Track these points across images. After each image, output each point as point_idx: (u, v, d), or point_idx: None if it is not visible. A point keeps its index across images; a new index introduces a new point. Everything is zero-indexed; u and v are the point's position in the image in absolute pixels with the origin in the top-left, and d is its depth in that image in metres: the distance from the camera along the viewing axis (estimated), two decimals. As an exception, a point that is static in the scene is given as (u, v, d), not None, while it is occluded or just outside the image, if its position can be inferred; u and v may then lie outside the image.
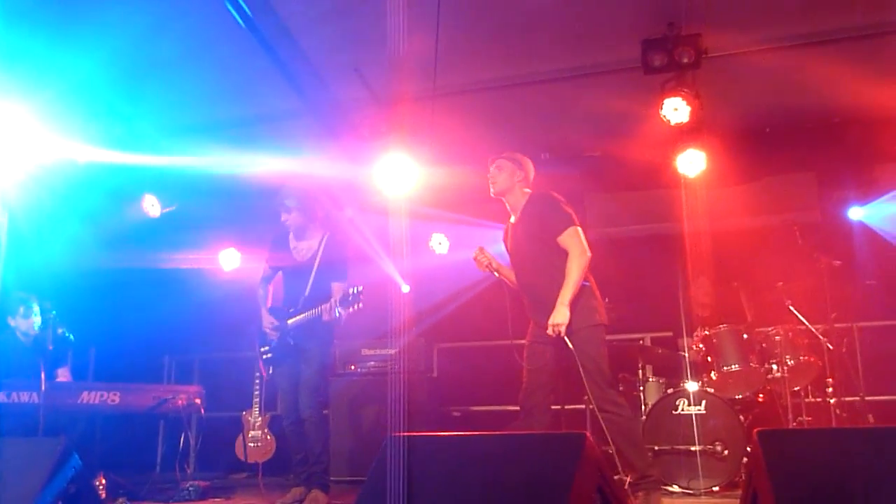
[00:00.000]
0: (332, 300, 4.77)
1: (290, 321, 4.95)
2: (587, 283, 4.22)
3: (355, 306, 4.69)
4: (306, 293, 4.94)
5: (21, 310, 5.70)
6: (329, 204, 5.93)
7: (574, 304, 4.09)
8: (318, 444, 4.92)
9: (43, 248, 6.50)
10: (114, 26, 5.05)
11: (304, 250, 5.05)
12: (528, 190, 4.45)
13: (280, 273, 5.21)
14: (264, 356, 5.10)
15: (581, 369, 4.06)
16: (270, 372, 5.11)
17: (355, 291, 4.70)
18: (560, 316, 4.05)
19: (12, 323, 5.71)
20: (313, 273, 4.95)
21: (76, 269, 6.68)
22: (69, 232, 6.83)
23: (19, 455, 3.41)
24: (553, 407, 4.37)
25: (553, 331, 4.06)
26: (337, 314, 4.73)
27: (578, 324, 4.10)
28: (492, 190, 4.44)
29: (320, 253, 4.99)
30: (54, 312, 5.50)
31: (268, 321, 5.05)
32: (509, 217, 4.52)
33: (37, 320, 5.73)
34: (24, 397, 5.21)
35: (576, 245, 4.17)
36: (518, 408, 4.31)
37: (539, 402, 4.22)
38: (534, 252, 4.29)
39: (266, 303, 5.20)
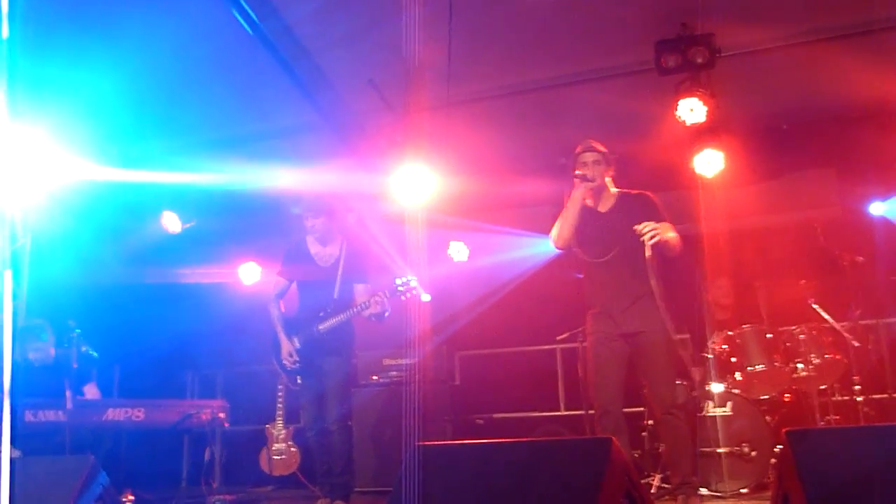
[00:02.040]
0: (382, 292, 4.84)
1: (321, 326, 4.95)
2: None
3: (406, 295, 4.85)
4: (335, 296, 4.98)
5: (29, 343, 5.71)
6: (345, 211, 5.95)
7: (654, 306, 4.20)
8: (342, 456, 4.94)
9: (65, 268, 6.57)
10: (130, 48, 5.10)
11: (328, 256, 5.10)
12: (614, 188, 4.48)
13: (294, 285, 5.20)
14: (289, 367, 5.03)
15: (660, 369, 4.15)
16: (299, 382, 5.06)
17: (405, 280, 4.84)
18: (658, 229, 4.11)
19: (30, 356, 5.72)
20: (339, 277, 5.01)
21: (99, 288, 6.75)
22: (91, 251, 6.90)
23: (47, 473, 3.44)
24: (577, 412, 4.38)
25: (645, 229, 4.10)
26: (385, 308, 4.85)
27: (662, 324, 4.19)
28: (588, 174, 4.33)
29: (343, 258, 5.06)
30: (78, 331, 5.54)
31: (286, 349, 4.99)
32: (583, 205, 4.40)
33: (43, 346, 5.74)
34: (50, 416, 5.26)
35: (675, 233, 4.29)
36: (532, 412, 4.35)
37: (616, 400, 4.20)
38: (630, 248, 4.25)
39: (281, 322, 5.11)
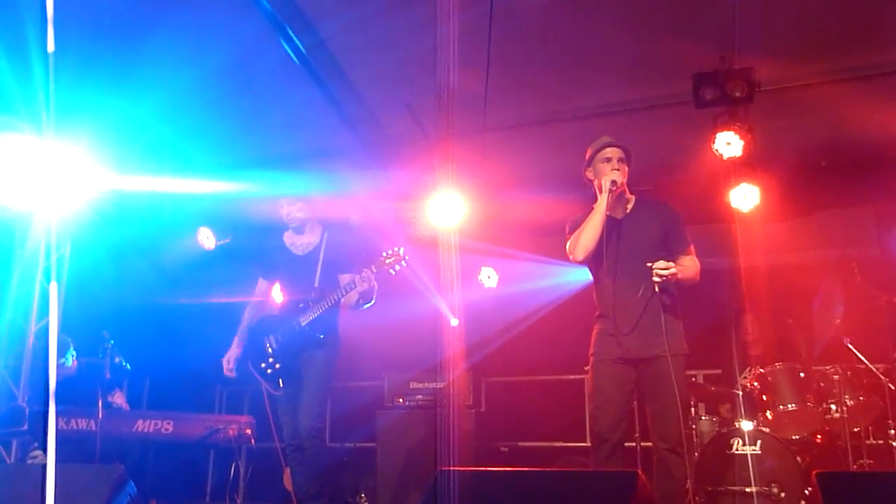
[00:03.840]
0: (368, 268, 4.39)
1: (302, 319, 4.51)
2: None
3: (395, 268, 4.41)
4: (316, 285, 4.56)
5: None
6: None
7: (674, 327, 3.86)
8: (312, 473, 4.36)
9: (101, 280, 6.69)
10: (170, 68, 5.22)
11: (304, 245, 4.73)
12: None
13: (276, 285, 4.84)
14: (269, 370, 4.54)
15: (666, 400, 3.71)
16: (282, 385, 4.52)
17: (394, 251, 4.42)
18: (671, 268, 3.74)
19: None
20: (320, 265, 4.61)
21: (133, 300, 6.85)
22: (127, 264, 7.02)
23: (77, 481, 3.48)
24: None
25: (659, 272, 3.71)
26: (372, 285, 4.39)
27: (676, 349, 3.79)
28: (618, 180, 3.89)
29: (323, 247, 4.67)
30: (112, 342, 5.64)
31: (229, 354, 4.60)
32: (603, 210, 3.89)
33: (63, 365, 5.83)
34: (82, 424, 5.34)
35: (696, 261, 3.96)
36: (563, 443, 4.16)
37: (614, 428, 3.77)
38: (644, 260, 3.84)
39: (246, 328, 4.74)
